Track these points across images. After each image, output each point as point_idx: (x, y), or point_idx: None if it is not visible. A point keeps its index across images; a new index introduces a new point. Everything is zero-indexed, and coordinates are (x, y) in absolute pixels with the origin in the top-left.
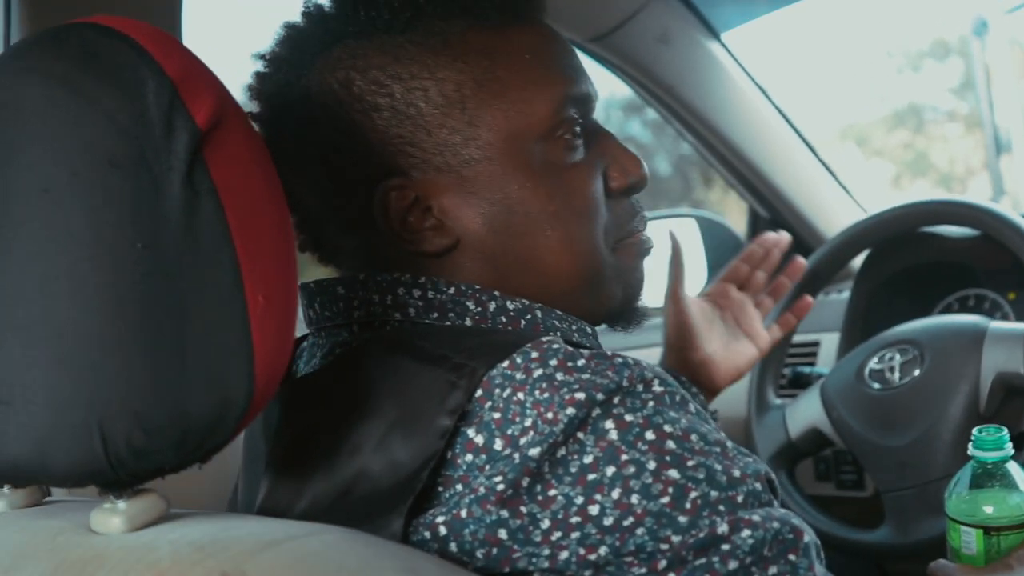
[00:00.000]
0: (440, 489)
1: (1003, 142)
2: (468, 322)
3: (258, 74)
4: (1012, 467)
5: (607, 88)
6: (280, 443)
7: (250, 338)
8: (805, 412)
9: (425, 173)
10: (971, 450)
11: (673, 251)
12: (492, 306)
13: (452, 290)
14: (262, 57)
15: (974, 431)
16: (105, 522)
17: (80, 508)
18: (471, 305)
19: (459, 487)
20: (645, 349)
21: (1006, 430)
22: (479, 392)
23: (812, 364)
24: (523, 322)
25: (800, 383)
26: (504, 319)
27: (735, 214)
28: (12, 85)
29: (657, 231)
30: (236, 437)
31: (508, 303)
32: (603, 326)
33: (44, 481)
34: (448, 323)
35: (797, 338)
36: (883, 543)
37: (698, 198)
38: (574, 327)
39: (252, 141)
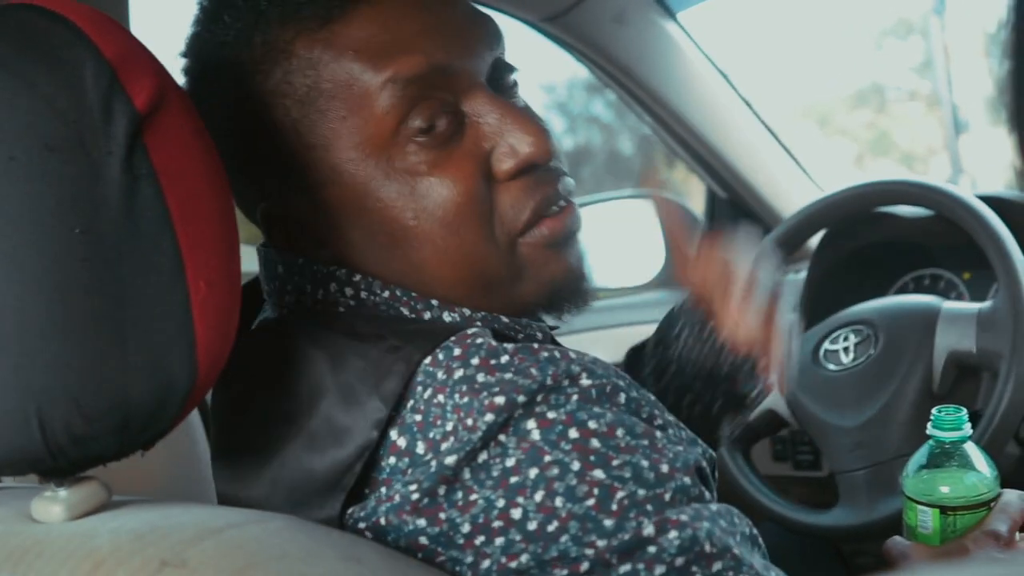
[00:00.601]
0: (366, 490)
1: (961, 122)
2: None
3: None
4: (969, 447)
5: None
6: (216, 416)
7: (192, 324)
8: None
9: (288, 199)
10: (930, 429)
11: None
12: (427, 316)
13: (387, 294)
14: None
15: (933, 411)
16: (45, 510)
17: (21, 496)
18: (405, 311)
19: (382, 490)
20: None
21: (965, 411)
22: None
23: None
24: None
25: None
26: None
27: (698, 194)
28: None
29: (618, 212)
30: (179, 423)
31: (445, 315)
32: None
33: None
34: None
35: None
36: (838, 524)
37: (661, 177)
38: (520, 335)
39: (193, 125)
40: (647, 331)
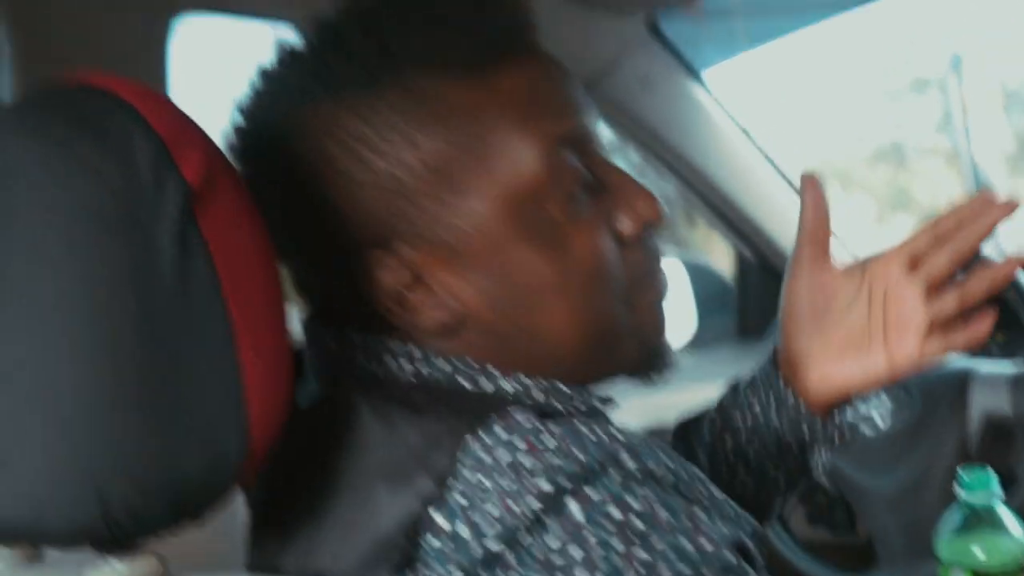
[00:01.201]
0: (407, 572)
1: (981, 177)
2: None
3: (236, 129)
4: (1002, 510)
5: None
6: (262, 487)
7: (243, 395)
8: None
9: (416, 247)
10: (958, 492)
11: (812, 204)
12: (490, 388)
13: (448, 368)
14: (239, 109)
15: (962, 474)
16: None
17: (76, 567)
18: (465, 383)
19: (423, 572)
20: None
21: (992, 470)
22: (451, 465)
23: None
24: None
25: None
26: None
27: (718, 254)
28: (3, 148)
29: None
30: (232, 494)
31: (504, 383)
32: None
33: (40, 541)
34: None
35: None
36: None
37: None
38: (582, 408)
39: (242, 196)
40: (674, 394)
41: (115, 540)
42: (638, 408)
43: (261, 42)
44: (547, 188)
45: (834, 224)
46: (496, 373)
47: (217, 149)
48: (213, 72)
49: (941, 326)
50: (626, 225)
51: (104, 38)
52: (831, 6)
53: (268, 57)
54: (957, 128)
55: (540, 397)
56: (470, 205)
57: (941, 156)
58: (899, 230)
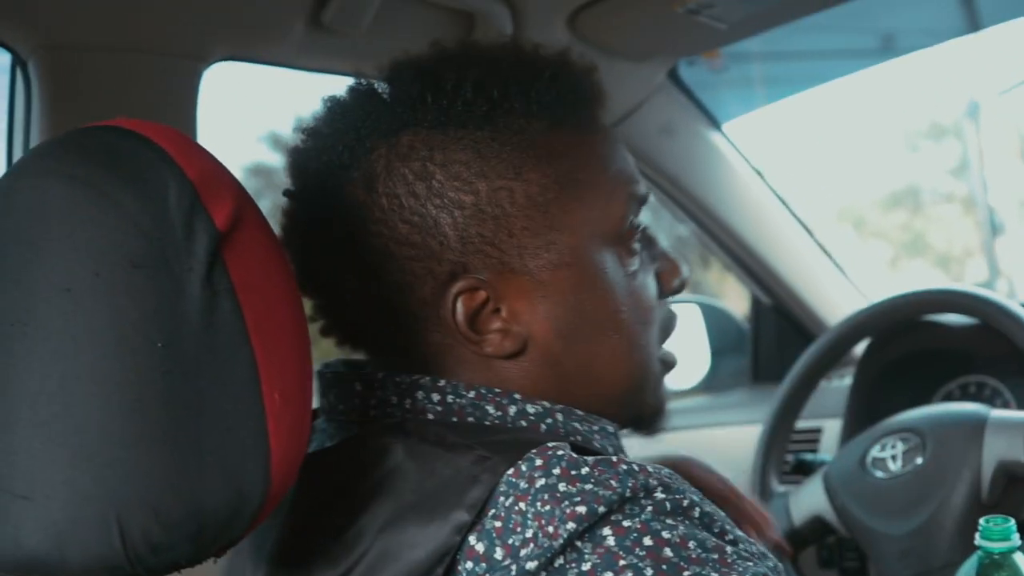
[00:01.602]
0: None
1: (997, 224)
2: (488, 424)
3: (300, 149)
4: (1019, 557)
5: None
6: (287, 525)
7: (266, 435)
8: (808, 500)
9: (499, 274)
10: (978, 540)
11: None
12: (512, 410)
13: (472, 394)
14: (305, 131)
15: (981, 521)
16: None
17: None
18: (491, 409)
19: None
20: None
21: (1013, 520)
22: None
23: (815, 451)
24: (543, 426)
25: (803, 470)
26: (524, 423)
27: (732, 296)
28: (36, 187)
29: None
30: (251, 531)
31: (528, 406)
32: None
33: (62, 574)
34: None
35: (800, 424)
36: None
37: (695, 279)
38: (595, 428)
39: (270, 240)
40: (688, 436)
41: (136, 574)
42: (653, 447)
43: (291, 89)
44: (623, 236)
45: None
46: (518, 397)
47: (246, 194)
48: (241, 117)
49: None
50: (665, 283)
51: (134, 84)
52: (850, 62)
53: (333, 94)
54: (973, 174)
55: (559, 418)
56: (561, 240)
57: (957, 202)
58: (914, 275)
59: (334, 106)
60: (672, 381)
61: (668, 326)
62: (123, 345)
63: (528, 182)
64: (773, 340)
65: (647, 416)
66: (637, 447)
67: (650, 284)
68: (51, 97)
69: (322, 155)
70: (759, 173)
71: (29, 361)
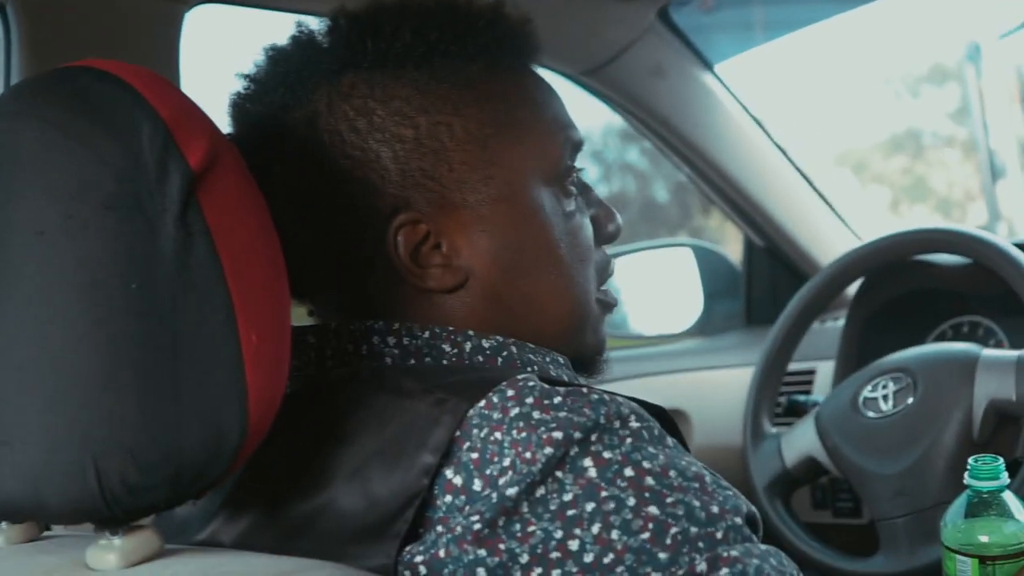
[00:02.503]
0: (420, 530)
1: (998, 167)
2: (445, 363)
3: (244, 95)
4: (1008, 496)
5: (604, 117)
6: (245, 473)
7: (244, 376)
8: (800, 441)
9: (440, 208)
10: (967, 479)
11: None
12: (468, 346)
13: (427, 334)
14: (247, 78)
15: (970, 460)
16: (101, 558)
17: (77, 544)
18: (447, 347)
19: (439, 528)
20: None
21: (1001, 459)
22: (457, 432)
23: (808, 392)
24: (499, 359)
25: (795, 411)
26: (480, 358)
27: (734, 242)
28: (8, 129)
29: (654, 260)
30: (231, 474)
31: (483, 341)
32: None
33: (40, 518)
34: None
35: (792, 366)
36: (879, 572)
37: (697, 225)
38: (548, 359)
39: (245, 181)
40: (681, 379)
41: (114, 517)
42: (646, 390)
43: (272, 31)
44: (558, 177)
45: (850, 214)
46: (472, 333)
47: (221, 134)
48: (224, 61)
49: None
50: (601, 227)
51: (115, 27)
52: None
53: (279, 39)
54: (974, 117)
55: (513, 351)
56: (499, 175)
57: (958, 146)
58: (915, 220)
59: (275, 53)
60: (663, 322)
61: (605, 269)
62: (96, 287)
63: (467, 117)
64: (767, 282)
65: (587, 355)
66: None
67: (587, 225)
68: (31, 41)
69: (263, 98)
70: (752, 114)
71: (3, 305)
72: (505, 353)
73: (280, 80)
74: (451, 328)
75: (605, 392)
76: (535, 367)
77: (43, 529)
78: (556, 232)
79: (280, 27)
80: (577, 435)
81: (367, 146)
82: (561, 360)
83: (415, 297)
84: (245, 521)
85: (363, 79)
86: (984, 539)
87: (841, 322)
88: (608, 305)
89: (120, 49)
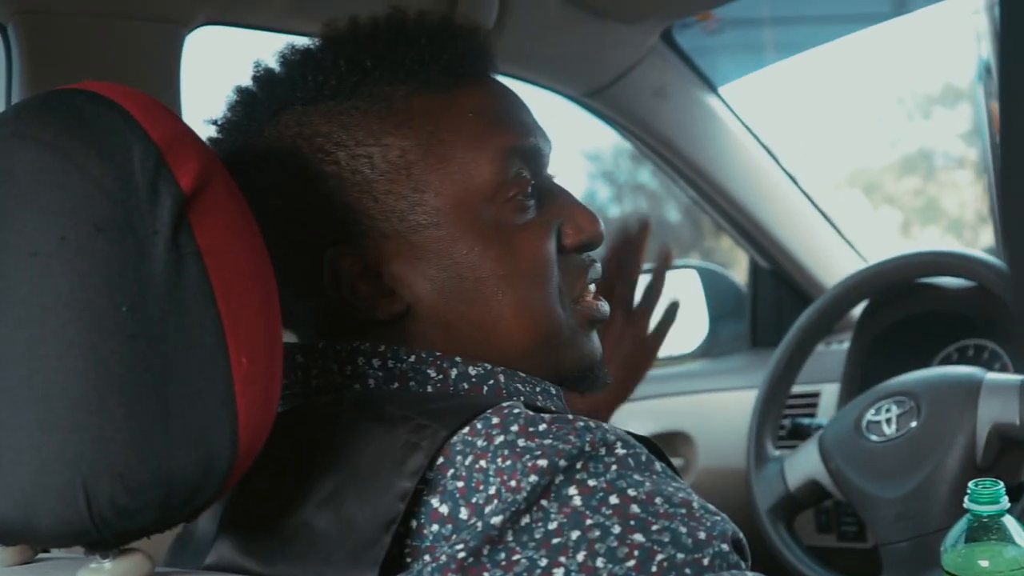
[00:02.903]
0: (408, 559)
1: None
2: (429, 389)
3: (211, 140)
4: (1008, 521)
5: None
6: (236, 494)
7: (234, 399)
8: (804, 464)
9: (373, 240)
10: (967, 503)
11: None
12: (454, 372)
13: (413, 358)
14: (214, 123)
15: (970, 484)
16: None
17: (68, 567)
18: (432, 372)
19: (426, 557)
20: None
21: (1002, 483)
22: (440, 459)
23: (812, 415)
24: (485, 388)
25: (799, 434)
26: (466, 385)
27: (745, 262)
28: (2, 150)
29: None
30: (221, 497)
31: (470, 369)
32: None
33: (30, 540)
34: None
35: (797, 389)
36: None
37: (708, 246)
38: (538, 388)
39: (236, 204)
40: (686, 401)
41: (104, 539)
42: (651, 412)
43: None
44: (497, 191)
45: (858, 235)
46: (459, 360)
47: (213, 157)
48: (225, 83)
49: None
50: (568, 235)
51: (116, 49)
52: (855, 20)
53: (243, 76)
54: (984, 138)
55: (501, 379)
56: (427, 201)
57: (970, 167)
58: (927, 241)
59: (239, 94)
60: (669, 344)
61: (580, 278)
62: (88, 309)
63: (387, 147)
64: (772, 304)
65: (572, 373)
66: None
67: (545, 237)
68: (31, 63)
69: (227, 142)
70: (756, 136)
71: None
72: (491, 381)
73: (236, 123)
74: (438, 353)
75: (592, 420)
76: (521, 397)
77: (37, 552)
78: (498, 250)
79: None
80: (562, 463)
81: (297, 186)
82: (553, 391)
83: (372, 328)
84: (236, 543)
85: (295, 118)
86: (984, 564)
87: (846, 344)
88: (587, 318)
89: (121, 71)
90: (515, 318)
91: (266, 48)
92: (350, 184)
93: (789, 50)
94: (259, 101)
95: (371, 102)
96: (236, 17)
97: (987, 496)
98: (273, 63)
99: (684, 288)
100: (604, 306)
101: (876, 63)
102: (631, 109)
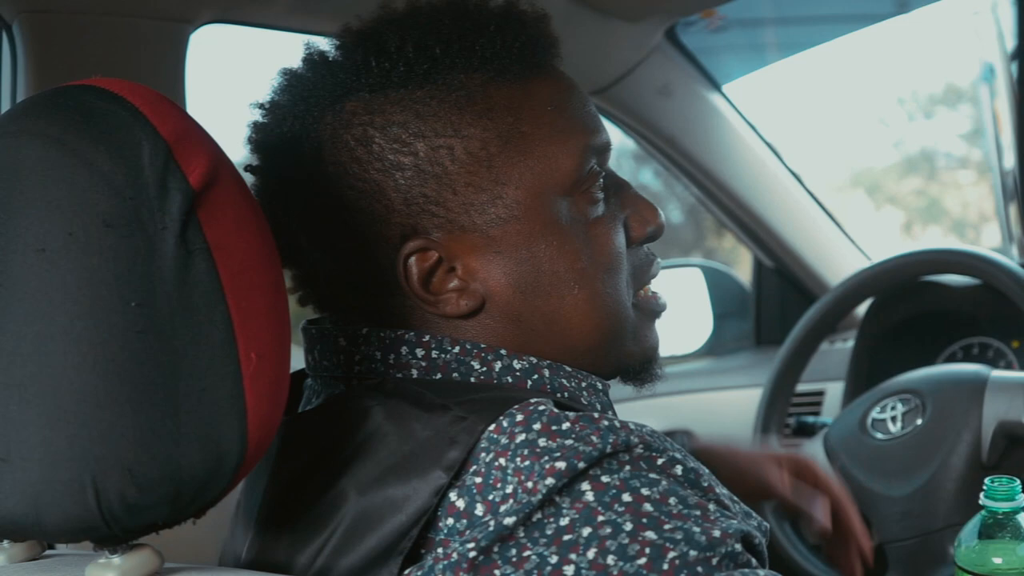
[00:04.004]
0: (423, 551)
1: (1010, 189)
2: (472, 381)
3: (258, 124)
4: (1022, 518)
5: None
6: (272, 487)
7: (243, 395)
8: None
9: (449, 233)
10: (982, 499)
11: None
12: (498, 366)
13: (457, 349)
14: (262, 107)
15: (986, 481)
16: None
17: (77, 562)
18: (476, 364)
19: (439, 550)
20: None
21: (1018, 481)
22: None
23: (817, 413)
24: (530, 382)
25: (804, 432)
26: (509, 379)
27: (747, 263)
28: (10, 147)
29: (664, 281)
30: (230, 492)
31: (515, 362)
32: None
33: (40, 536)
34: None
35: (802, 387)
36: None
37: (710, 246)
38: (584, 384)
39: (245, 200)
40: (691, 399)
41: (113, 535)
42: (657, 411)
43: (278, 51)
44: (576, 186)
45: (862, 235)
46: (504, 352)
47: (222, 153)
48: (230, 80)
49: None
50: (635, 228)
51: (121, 47)
52: (857, 19)
53: (293, 60)
54: (989, 139)
55: (546, 373)
56: (508, 194)
57: (973, 167)
58: (928, 242)
59: (289, 77)
60: (672, 343)
61: (645, 272)
62: (97, 305)
63: (468, 138)
64: (776, 303)
65: (633, 366)
66: None
67: (615, 231)
68: (36, 61)
69: (278, 128)
70: (760, 134)
71: (4, 322)
72: (536, 376)
73: (291, 108)
74: (483, 345)
75: (618, 419)
76: (566, 393)
77: (45, 548)
78: (576, 245)
79: (285, 46)
80: (580, 465)
81: (368, 176)
82: (599, 386)
83: (437, 323)
84: (270, 539)
85: (363, 105)
86: (998, 561)
87: (850, 343)
88: (650, 312)
89: (126, 69)
90: (587, 312)
91: (271, 46)
92: (429, 176)
93: (791, 49)
94: (315, 86)
95: (447, 91)
96: (241, 15)
97: (1003, 492)
98: (327, 47)
99: (688, 286)
100: (664, 299)
101: (878, 63)
102: (635, 107)
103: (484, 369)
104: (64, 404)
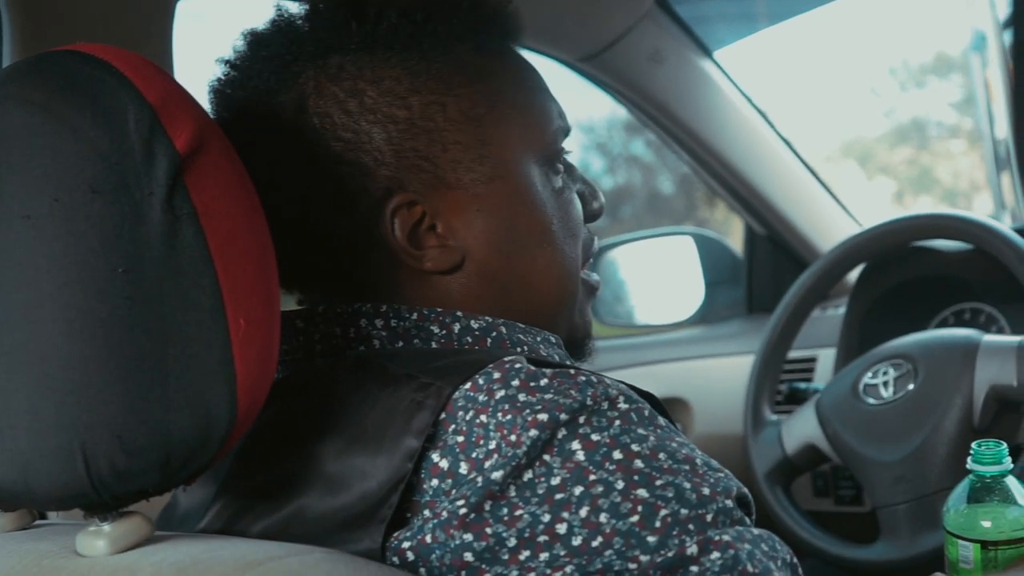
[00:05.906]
0: (408, 515)
1: (1003, 158)
2: (434, 345)
3: (225, 80)
4: (1010, 481)
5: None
6: (238, 457)
7: (232, 361)
8: (801, 428)
9: (435, 189)
10: (970, 464)
11: None
12: (456, 327)
13: (415, 315)
14: (228, 63)
15: (973, 445)
16: (90, 545)
17: (67, 531)
18: (435, 329)
19: (426, 512)
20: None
21: (1005, 444)
22: (443, 415)
23: (809, 380)
24: (489, 340)
25: (796, 399)
26: (470, 339)
27: (738, 233)
28: None
29: (657, 249)
30: (220, 459)
31: (472, 322)
32: None
33: (29, 504)
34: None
35: (793, 354)
36: (880, 559)
37: (702, 216)
38: (539, 338)
39: (233, 165)
40: (683, 367)
41: (103, 502)
42: (648, 378)
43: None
44: (551, 156)
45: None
46: (460, 314)
47: (208, 118)
48: (215, 51)
49: None
50: (587, 203)
51: (107, 17)
52: None
53: (263, 22)
54: (980, 108)
55: (503, 330)
56: (492, 153)
57: (964, 136)
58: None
59: (255, 38)
60: (660, 313)
61: (589, 248)
62: (84, 271)
63: (460, 97)
64: (768, 270)
65: (576, 337)
66: None
67: (576, 201)
68: (22, 31)
69: (246, 84)
70: (752, 101)
71: None
72: (494, 334)
73: (263, 65)
74: (439, 309)
75: (593, 374)
76: (525, 347)
77: (36, 518)
78: (548, 209)
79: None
80: (563, 416)
81: (359, 127)
82: (553, 339)
83: (411, 279)
84: (237, 508)
85: (351, 61)
86: (987, 524)
87: (842, 309)
88: (591, 287)
89: (112, 40)
90: (556, 273)
91: (254, 17)
92: (420, 130)
93: (783, 15)
94: (290, 44)
95: (438, 54)
96: None
97: (991, 456)
98: (294, 12)
99: (680, 254)
100: (598, 279)
101: (869, 33)
102: (626, 74)
103: (443, 332)
104: (52, 371)
